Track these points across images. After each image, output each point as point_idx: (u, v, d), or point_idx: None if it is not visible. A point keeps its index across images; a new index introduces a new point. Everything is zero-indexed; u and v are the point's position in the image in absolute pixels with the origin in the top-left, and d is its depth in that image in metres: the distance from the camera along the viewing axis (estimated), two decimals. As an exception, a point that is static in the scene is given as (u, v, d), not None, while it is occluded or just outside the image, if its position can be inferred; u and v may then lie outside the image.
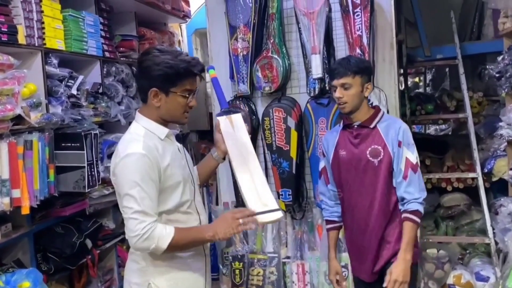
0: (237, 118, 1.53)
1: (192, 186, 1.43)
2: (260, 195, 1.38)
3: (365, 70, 1.67)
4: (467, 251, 2.75)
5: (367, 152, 1.66)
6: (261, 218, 1.33)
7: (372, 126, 1.67)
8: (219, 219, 1.38)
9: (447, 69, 3.60)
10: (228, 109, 1.58)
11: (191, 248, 1.38)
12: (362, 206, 1.67)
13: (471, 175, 2.52)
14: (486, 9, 3.00)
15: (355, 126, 1.69)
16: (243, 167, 1.43)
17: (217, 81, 1.61)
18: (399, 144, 1.63)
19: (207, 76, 3.19)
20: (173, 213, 1.36)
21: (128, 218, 1.27)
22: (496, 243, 2.35)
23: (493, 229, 2.39)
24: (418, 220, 1.60)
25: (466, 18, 3.16)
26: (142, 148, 1.29)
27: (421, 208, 1.60)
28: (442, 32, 3.12)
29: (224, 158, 1.56)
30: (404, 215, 1.61)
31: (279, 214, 1.36)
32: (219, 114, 1.55)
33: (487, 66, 2.34)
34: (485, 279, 2.46)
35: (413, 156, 1.62)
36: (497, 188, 2.69)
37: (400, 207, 1.63)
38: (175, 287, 1.38)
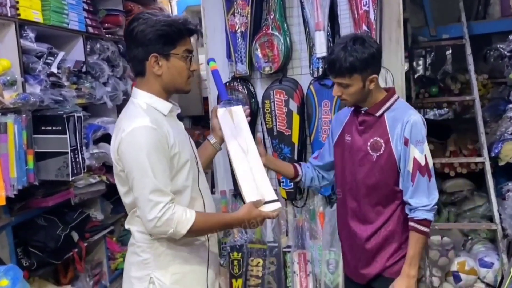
0: (238, 110, 1.47)
1: (196, 168, 1.32)
2: (258, 186, 1.33)
3: (365, 64, 1.37)
4: (469, 238, 2.69)
5: (368, 143, 1.45)
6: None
7: (377, 114, 1.45)
8: (251, 217, 1.26)
9: (448, 52, 3.50)
10: (229, 100, 1.51)
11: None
12: (352, 202, 1.51)
13: (478, 159, 2.43)
14: (492, -12, 2.88)
15: (362, 112, 1.48)
16: (241, 159, 1.37)
17: (217, 73, 1.52)
18: (406, 142, 1.39)
19: (201, 58, 3.03)
20: (178, 197, 1.23)
21: (142, 201, 1.16)
22: (503, 229, 2.28)
23: (500, 215, 2.33)
24: (426, 229, 1.40)
25: (471, -2, 3.05)
26: (150, 121, 1.17)
27: (430, 216, 1.40)
28: (445, 11, 3.00)
29: (221, 145, 1.51)
30: (410, 223, 1.42)
31: (278, 205, 1.31)
32: (220, 106, 1.48)
33: (498, 46, 2.22)
34: (489, 265, 2.41)
35: (421, 155, 1.38)
36: (501, 173, 2.62)
37: (407, 212, 1.44)
38: (179, 281, 1.27)
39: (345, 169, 1.53)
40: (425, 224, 1.40)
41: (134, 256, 1.29)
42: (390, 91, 1.48)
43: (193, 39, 1.29)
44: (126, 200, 1.26)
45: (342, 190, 1.56)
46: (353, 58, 1.36)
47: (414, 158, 1.38)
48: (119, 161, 1.20)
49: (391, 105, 1.45)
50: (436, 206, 1.41)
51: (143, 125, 1.16)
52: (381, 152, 1.42)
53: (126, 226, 1.33)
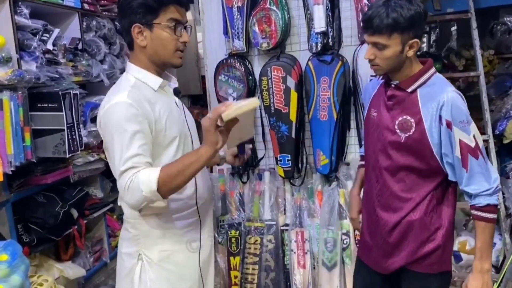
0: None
1: (190, 145, 1.28)
2: None
3: (409, 23, 1.19)
4: (471, 217, 2.65)
5: (397, 122, 1.28)
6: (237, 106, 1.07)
7: (410, 90, 1.27)
8: (207, 123, 1.08)
9: (453, 28, 3.39)
10: None
11: (190, 179, 1.15)
12: (376, 185, 1.37)
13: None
14: (501, -42, 2.75)
15: (392, 86, 1.31)
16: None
17: None
18: (448, 125, 1.21)
19: (199, 36, 2.98)
20: None
21: (117, 178, 1.15)
22: (507, 208, 2.25)
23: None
24: (491, 216, 1.24)
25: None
26: (127, 97, 1.13)
27: (493, 200, 1.24)
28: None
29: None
30: (472, 212, 1.26)
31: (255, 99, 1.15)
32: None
33: (505, 19, 2.13)
34: (490, 245, 2.38)
35: (469, 137, 1.21)
36: (505, 151, 2.57)
37: (467, 199, 1.29)
38: (167, 258, 1.26)
39: (369, 148, 1.40)
40: (489, 210, 1.24)
41: (125, 232, 1.29)
42: (427, 64, 1.29)
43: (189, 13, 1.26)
44: None
45: (368, 171, 1.43)
46: (397, 14, 1.18)
47: (461, 142, 1.21)
48: (103, 135, 1.20)
49: (426, 80, 1.27)
50: (499, 187, 1.26)
51: (119, 101, 1.12)
52: (411, 133, 1.26)
53: (119, 203, 1.32)
